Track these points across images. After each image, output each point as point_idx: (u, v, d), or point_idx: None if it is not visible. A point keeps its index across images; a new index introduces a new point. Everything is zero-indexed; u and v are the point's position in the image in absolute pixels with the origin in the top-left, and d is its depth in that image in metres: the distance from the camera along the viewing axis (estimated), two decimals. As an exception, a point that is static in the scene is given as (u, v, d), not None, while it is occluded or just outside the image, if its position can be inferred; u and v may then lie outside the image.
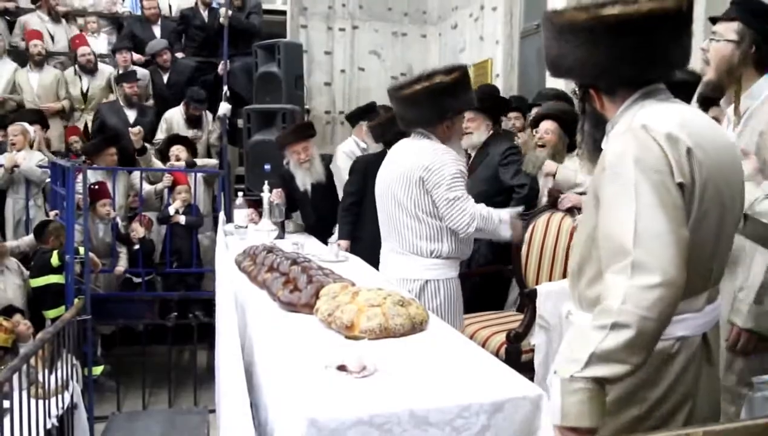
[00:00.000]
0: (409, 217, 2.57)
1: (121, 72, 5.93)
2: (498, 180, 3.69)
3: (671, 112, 1.41)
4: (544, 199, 3.61)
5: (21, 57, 6.08)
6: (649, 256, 1.25)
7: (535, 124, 3.63)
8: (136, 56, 6.25)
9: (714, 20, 2.11)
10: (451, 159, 2.52)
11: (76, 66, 6.00)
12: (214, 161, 5.67)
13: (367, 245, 3.44)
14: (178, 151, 5.30)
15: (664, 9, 1.37)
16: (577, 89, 1.59)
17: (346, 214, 3.72)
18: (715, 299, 1.51)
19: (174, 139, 5.41)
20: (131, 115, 5.68)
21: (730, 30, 2.03)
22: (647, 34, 1.38)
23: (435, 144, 2.58)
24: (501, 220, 2.56)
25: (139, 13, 6.69)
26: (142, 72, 6.11)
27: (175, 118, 5.75)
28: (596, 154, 1.56)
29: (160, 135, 5.70)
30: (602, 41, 1.39)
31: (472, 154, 3.73)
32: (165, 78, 6.11)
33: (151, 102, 6.11)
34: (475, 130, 3.72)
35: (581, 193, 3.31)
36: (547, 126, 3.51)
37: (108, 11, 6.72)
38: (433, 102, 2.51)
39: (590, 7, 1.41)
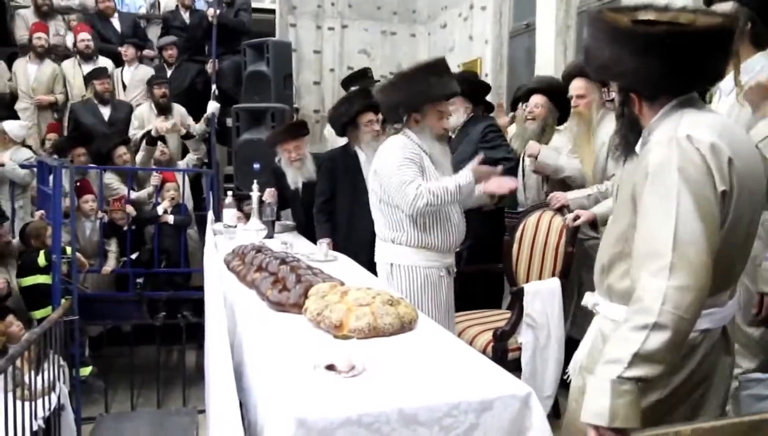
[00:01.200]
0: (375, 206, 2.84)
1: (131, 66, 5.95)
2: None
3: (711, 121, 1.47)
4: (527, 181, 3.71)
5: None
6: (685, 260, 1.32)
7: (525, 98, 3.70)
8: (146, 52, 6.24)
9: (709, 3, 2.20)
10: (399, 147, 2.71)
11: (77, 55, 5.94)
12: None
13: (341, 245, 3.45)
14: (161, 147, 5.26)
15: (719, 25, 1.44)
16: (616, 93, 1.63)
17: (320, 215, 3.75)
18: (735, 294, 1.60)
19: (152, 138, 5.28)
20: (106, 112, 5.59)
21: (722, 9, 2.08)
22: (704, 48, 1.44)
23: (395, 138, 2.78)
24: (459, 185, 2.65)
25: (123, 10, 6.65)
26: (146, 70, 6.07)
27: (144, 111, 5.67)
28: (629, 155, 1.64)
29: (132, 131, 5.60)
30: (660, 52, 1.43)
31: (453, 136, 3.83)
32: (169, 73, 6.05)
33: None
34: (454, 112, 3.83)
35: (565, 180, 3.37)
36: (537, 100, 3.60)
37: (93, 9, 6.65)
38: (396, 96, 2.72)
39: (650, 16, 1.47)
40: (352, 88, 5.04)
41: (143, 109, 5.69)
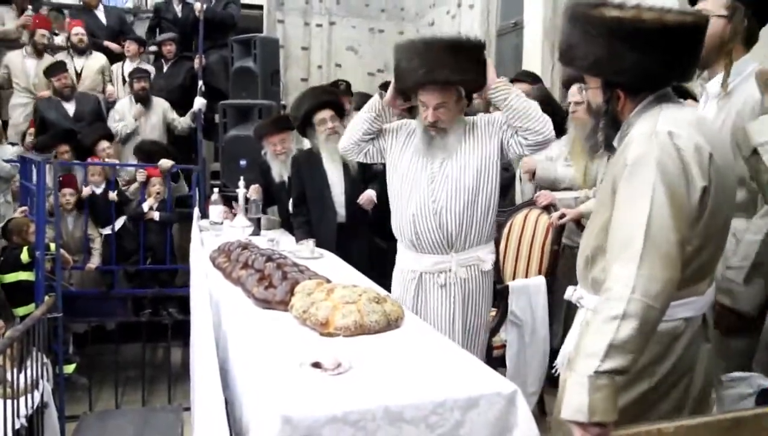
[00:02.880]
0: None
1: (131, 64, 5.88)
2: None
3: (689, 117, 1.50)
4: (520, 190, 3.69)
5: None
6: (657, 251, 1.34)
7: None
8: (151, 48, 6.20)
9: (693, 2, 2.09)
10: None
11: (69, 48, 5.86)
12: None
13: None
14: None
15: (705, 21, 1.48)
16: (599, 90, 1.59)
17: (296, 218, 3.64)
18: (713, 282, 1.62)
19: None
20: (70, 108, 5.49)
21: (719, 5, 2.02)
22: (695, 42, 1.48)
23: None
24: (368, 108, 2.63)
25: (109, 4, 6.60)
26: (147, 68, 6.00)
27: (125, 105, 5.61)
28: (607, 151, 1.67)
29: (113, 124, 5.54)
30: (664, 45, 1.44)
31: None
32: (165, 68, 6.02)
33: (104, 92, 5.95)
34: None
35: (565, 189, 3.37)
36: None
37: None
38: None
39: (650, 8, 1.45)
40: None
41: (124, 103, 5.64)
